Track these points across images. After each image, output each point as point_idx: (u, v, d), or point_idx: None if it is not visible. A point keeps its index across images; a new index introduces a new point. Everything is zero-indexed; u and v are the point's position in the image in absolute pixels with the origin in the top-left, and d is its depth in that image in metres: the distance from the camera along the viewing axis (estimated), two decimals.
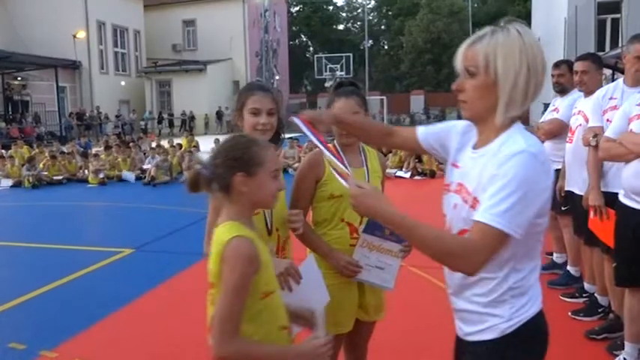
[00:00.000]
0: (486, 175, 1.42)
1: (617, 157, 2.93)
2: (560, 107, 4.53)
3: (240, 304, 1.48)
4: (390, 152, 12.90)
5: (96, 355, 3.55)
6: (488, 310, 1.49)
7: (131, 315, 4.29)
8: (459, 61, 1.50)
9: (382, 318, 2.44)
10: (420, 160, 11.86)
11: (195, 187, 1.58)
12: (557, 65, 4.63)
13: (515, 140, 1.42)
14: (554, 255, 4.90)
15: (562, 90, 4.60)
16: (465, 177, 1.53)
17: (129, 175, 12.78)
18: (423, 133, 1.80)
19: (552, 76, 4.63)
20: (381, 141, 1.97)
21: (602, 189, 3.42)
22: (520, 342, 1.49)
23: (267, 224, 2.04)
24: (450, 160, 1.66)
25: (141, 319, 4.22)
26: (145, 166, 13.07)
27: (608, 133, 3.05)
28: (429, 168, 11.65)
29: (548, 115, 4.72)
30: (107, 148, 14.31)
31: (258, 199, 1.60)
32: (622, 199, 3.00)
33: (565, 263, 4.81)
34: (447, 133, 1.72)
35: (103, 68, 31.24)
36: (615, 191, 3.32)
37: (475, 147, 1.56)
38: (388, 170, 10.22)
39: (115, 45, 32.51)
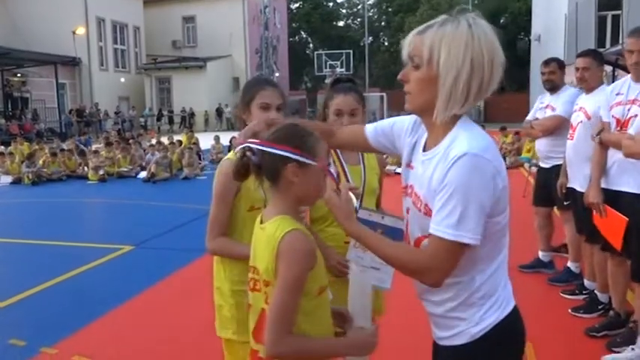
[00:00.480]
0: (435, 181, 1.37)
1: (636, 154, 2.93)
2: (555, 104, 4.53)
3: (296, 301, 1.41)
4: None
5: (96, 351, 3.54)
6: (456, 314, 1.45)
7: (131, 312, 4.29)
8: (404, 48, 1.42)
9: (381, 315, 2.43)
10: None
11: (244, 173, 1.51)
12: (546, 63, 4.67)
13: (459, 141, 1.34)
14: (540, 253, 4.88)
15: (553, 87, 4.62)
16: (417, 181, 1.49)
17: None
18: (372, 132, 1.71)
19: (543, 73, 4.66)
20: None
21: (604, 186, 3.42)
22: (492, 345, 1.44)
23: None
24: (405, 161, 1.61)
25: (141, 315, 4.22)
26: (144, 163, 13.08)
27: (631, 130, 3.05)
28: None
29: (539, 113, 4.72)
30: (108, 144, 14.31)
31: (305, 193, 1.53)
32: None
33: (551, 262, 4.83)
34: (398, 133, 1.65)
35: (102, 65, 31.22)
36: (615, 189, 3.32)
37: (425, 148, 1.50)
38: (389, 167, 10.20)
39: (115, 41, 32.47)
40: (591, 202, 3.43)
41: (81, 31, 28.48)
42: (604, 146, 3.40)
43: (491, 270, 1.43)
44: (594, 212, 3.46)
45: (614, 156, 3.33)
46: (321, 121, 2.35)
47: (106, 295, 4.63)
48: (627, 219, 3.14)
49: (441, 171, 1.34)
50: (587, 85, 4.04)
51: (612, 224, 3.29)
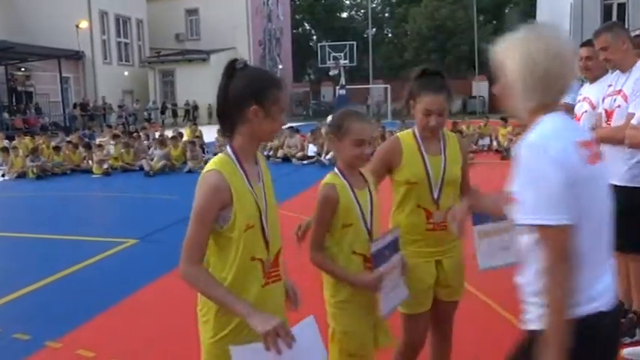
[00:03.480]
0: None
1: (638, 145, 2.92)
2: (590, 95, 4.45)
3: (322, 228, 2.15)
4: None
5: (100, 345, 3.56)
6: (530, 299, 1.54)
7: (135, 305, 4.30)
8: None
9: (461, 298, 2.48)
10: None
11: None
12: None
13: (530, 133, 1.51)
14: None
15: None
16: None
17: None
18: None
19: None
20: None
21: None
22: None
23: (264, 237, 1.81)
24: None
25: (145, 309, 4.22)
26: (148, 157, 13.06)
27: (635, 120, 3.03)
28: None
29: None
30: (115, 136, 14.31)
31: None
32: None
33: None
34: None
35: (106, 58, 31.18)
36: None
37: None
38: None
39: (118, 35, 32.41)
40: None
41: (84, 24, 28.43)
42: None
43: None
44: None
45: (604, 147, 3.34)
46: (406, 113, 2.42)
47: (110, 288, 4.64)
48: None
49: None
50: (592, 74, 3.99)
51: None
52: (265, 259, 1.80)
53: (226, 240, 1.75)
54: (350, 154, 2.13)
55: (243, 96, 1.74)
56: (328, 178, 2.16)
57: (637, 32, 11.97)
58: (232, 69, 1.77)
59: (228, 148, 1.81)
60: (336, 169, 2.20)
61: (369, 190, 2.21)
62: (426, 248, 2.34)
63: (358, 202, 2.14)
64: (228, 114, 1.78)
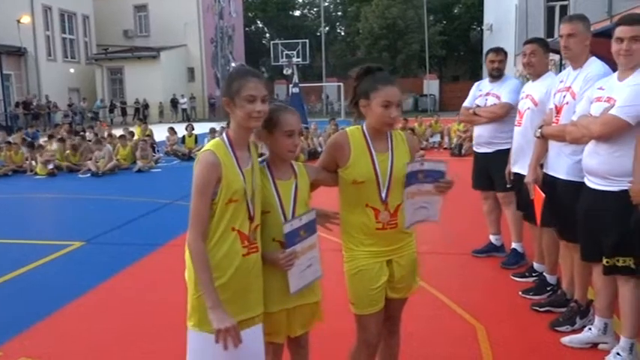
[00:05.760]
0: None
1: (577, 140, 3.03)
2: (499, 92, 4.66)
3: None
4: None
5: (43, 352, 3.42)
6: None
7: (81, 309, 4.15)
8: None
9: (410, 295, 2.50)
10: None
11: None
12: (497, 51, 4.79)
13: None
14: (492, 237, 5.01)
15: (500, 75, 4.77)
16: None
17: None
18: None
19: (492, 61, 4.73)
20: None
21: (544, 170, 3.60)
22: None
23: (249, 212, 2.08)
24: None
25: (91, 314, 4.09)
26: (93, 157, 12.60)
27: (574, 117, 3.13)
28: None
29: (479, 100, 4.83)
30: (60, 140, 13.78)
31: None
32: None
33: (503, 246, 4.95)
34: None
35: (50, 55, 30.07)
36: (552, 174, 3.48)
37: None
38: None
39: (63, 31, 31.32)
40: (526, 181, 3.68)
41: (26, 19, 27.31)
42: (545, 138, 3.53)
43: None
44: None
45: (553, 142, 3.48)
46: (357, 116, 2.37)
47: (54, 293, 4.47)
48: (544, 195, 3.37)
49: None
50: (534, 70, 4.13)
51: (538, 201, 3.50)
52: (245, 231, 2.05)
53: (212, 211, 2.01)
54: (282, 145, 2.18)
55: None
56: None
57: None
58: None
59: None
60: (264, 162, 2.24)
61: (296, 183, 2.25)
62: (377, 248, 2.33)
63: (277, 193, 2.20)
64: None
